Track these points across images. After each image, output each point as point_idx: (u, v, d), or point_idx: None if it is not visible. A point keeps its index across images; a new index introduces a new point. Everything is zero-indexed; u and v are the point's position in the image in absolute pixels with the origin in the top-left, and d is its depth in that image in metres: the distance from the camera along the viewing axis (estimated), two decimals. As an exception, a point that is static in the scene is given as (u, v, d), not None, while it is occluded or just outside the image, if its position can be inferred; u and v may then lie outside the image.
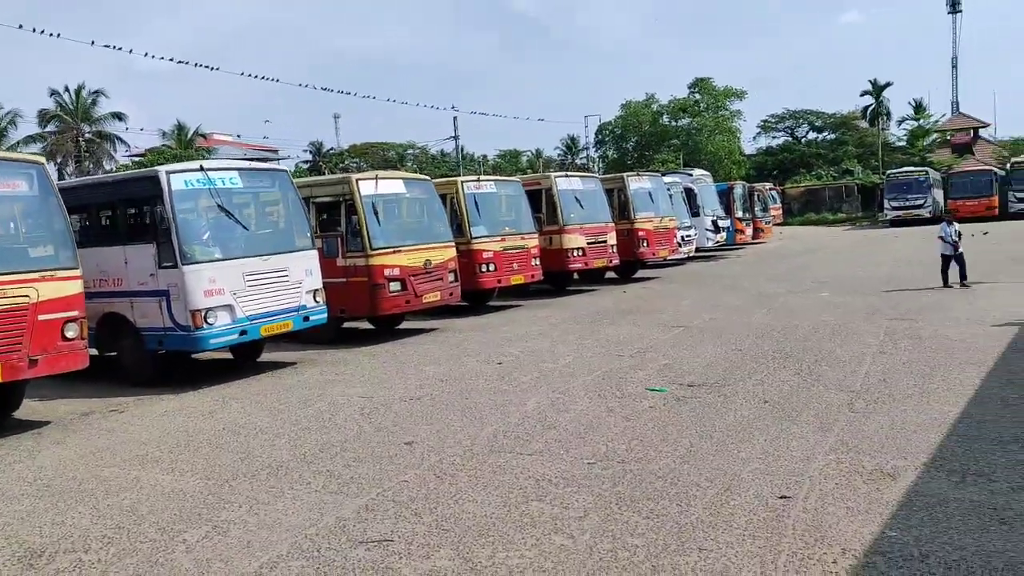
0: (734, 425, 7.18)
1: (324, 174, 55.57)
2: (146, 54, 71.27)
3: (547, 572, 4.48)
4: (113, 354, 11.24)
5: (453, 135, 50.84)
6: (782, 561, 4.46)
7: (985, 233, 28.35)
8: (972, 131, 64.62)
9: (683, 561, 4.52)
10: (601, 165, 65.77)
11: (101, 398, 10.09)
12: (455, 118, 48.06)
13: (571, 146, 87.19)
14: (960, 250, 15.94)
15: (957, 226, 16.42)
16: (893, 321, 12.29)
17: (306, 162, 78.31)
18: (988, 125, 67.11)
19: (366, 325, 15.17)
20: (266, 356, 12.31)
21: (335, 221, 13.52)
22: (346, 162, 77.29)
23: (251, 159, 36.57)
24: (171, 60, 40.43)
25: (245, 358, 12.07)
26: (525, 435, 7.24)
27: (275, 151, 68.28)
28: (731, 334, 12.00)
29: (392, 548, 4.90)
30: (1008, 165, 43.16)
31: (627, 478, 5.93)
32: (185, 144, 51.63)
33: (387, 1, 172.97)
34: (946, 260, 16.02)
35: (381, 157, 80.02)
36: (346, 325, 14.25)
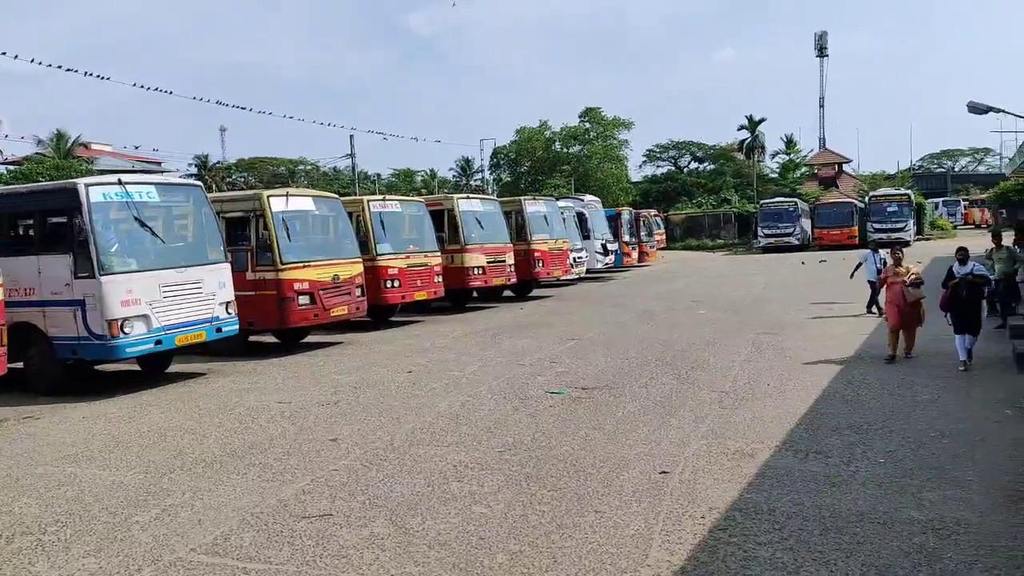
0: (623, 419, 8.24)
1: (212, 189, 54.36)
2: (16, 56, 67.38)
3: (470, 533, 5.31)
4: (19, 364, 11.25)
5: (348, 153, 50.74)
6: (662, 518, 5.48)
7: (822, 261, 31.40)
8: (837, 166, 70.03)
9: (582, 520, 5.47)
10: (496, 187, 67.24)
11: (11, 407, 10.17)
12: (351, 136, 48.07)
13: (465, 168, 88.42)
14: None
15: (883, 253, 15.95)
16: (760, 335, 13.81)
17: (190, 175, 76.05)
18: (851, 160, 73.04)
19: (271, 338, 15.53)
20: (173, 367, 12.56)
21: (244, 236, 13.90)
22: (233, 176, 75.72)
23: (133, 171, 35.65)
24: (40, 64, 38.52)
25: (153, 369, 12.29)
26: (440, 431, 8.05)
27: (158, 163, 66.08)
28: (619, 345, 13.19)
29: (332, 520, 5.62)
30: (867, 198, 47.26)
31: (533, 462, 6.85)
32: (64, 153, 49.47)
33: (273, 14, 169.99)
34: (874, 286, 15.87)
35: (270, 172, 78.75)
36: (251, 339, 14.59)
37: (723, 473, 6.39)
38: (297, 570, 4.84)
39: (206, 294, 11.41)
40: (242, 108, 53.54)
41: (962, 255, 10.92)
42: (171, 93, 49.30)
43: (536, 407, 8.96)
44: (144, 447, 7.86)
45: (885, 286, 11.62)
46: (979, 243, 16.24)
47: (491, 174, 70.76)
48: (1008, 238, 16.60)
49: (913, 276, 11.13)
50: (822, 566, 4.69)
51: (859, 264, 17.11)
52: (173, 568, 4.91)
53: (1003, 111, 24.36)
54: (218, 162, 79.10)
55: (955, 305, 10.48)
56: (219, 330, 11.61)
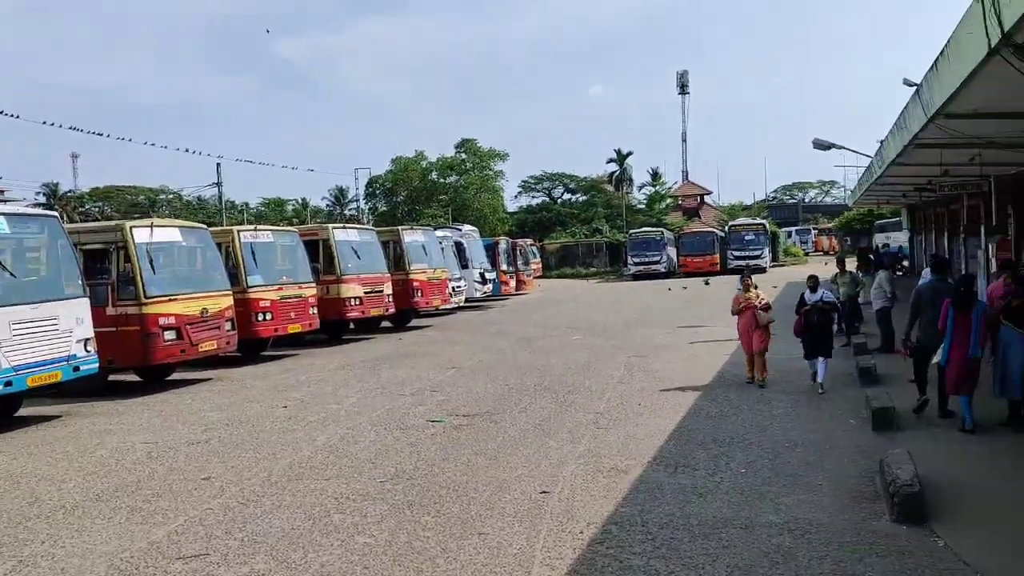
0: (503, 443, 8.41)
1: (64, 220, 51.05)
2: None
3: (354, 563, 5.30)
4: None
5: (216, 182, 49.03)
6: (543, 535, 5.65)
7: (684, 288, 33.14)
8: (699, 197, 74.05)
9: (467, 543, 5.56)
10: (371, 217, 66.72)
11: None
12: (218, 164, 46.52)
13: (339, 197, 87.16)
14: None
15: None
16: (631, 358, 14.39)
17: (39, 204, 71.13)
18: (711, 192, 77.48)
19: (133, 377, 14.75)
20: (24, 411, 11.70)
21: (105, 269, 13.21)
22: (87, 206, 71.56)
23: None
24: None
25: (0, 413, 11.42)
26: (320, 464, 7.94)
27: (0, 192, 61.46)
28: (499, 372, 13.41)
29: (209, 560, 5.45)
30: (727, 227, 50.16)
31: (416, 490, 6.89)
32: None
33: (120, 38, 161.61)
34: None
35: (129, 201, 75.05)
36: (112, 378, 13.81)
37: (599, 490, 6.66)
38: (172, 612, 4.68)
39: (62, 331, 10.78)
40: (99, 134, 50.12)
41: (812, 283, 11.45)
42: (17, 117, 45.93)
43: (418, 436, 8.99)
44: (-5, 496, 7.33)
45: (736, 314, 11.58)
46: (828, 269, 17.56)
47: (367, 204, 70.22)
48: (851, 264, 18.07)
49: (763, 301, 11.53)
50: (691, 570, 4.99)
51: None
52: (34, 620, 4.64)
53: (843, 147, 26.67)
54: (70, 191, 74.63)
55: (807, 331, 10.98)
56: (76, 369, 10.98)
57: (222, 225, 33.69)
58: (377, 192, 66.92)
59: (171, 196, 76.85)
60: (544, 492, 6.65)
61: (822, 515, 5.95)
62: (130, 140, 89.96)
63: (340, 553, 5.47)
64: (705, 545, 5.40)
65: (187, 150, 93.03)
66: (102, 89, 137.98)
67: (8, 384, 9.96)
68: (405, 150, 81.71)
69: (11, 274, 10.46)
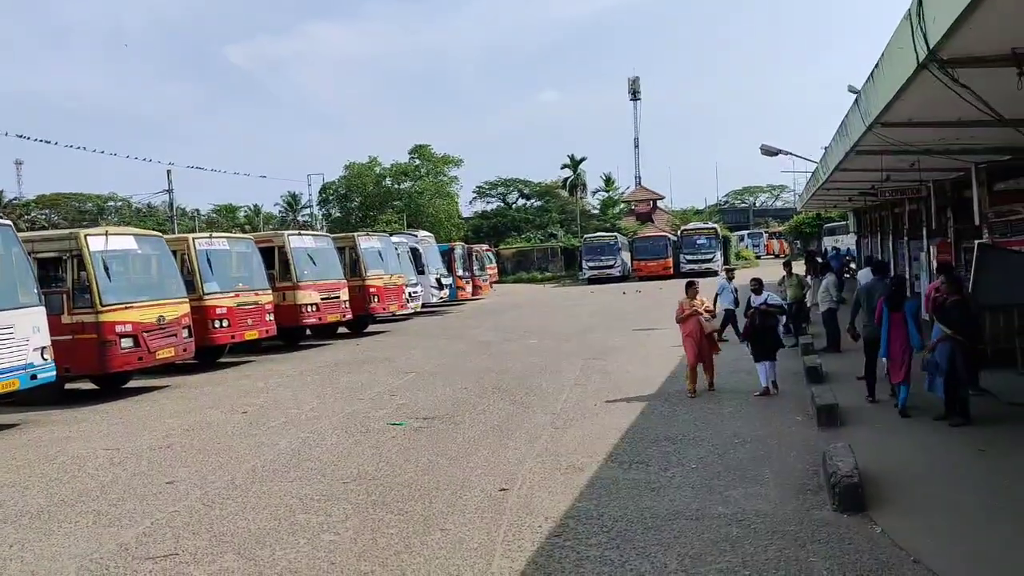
0: (463, 444, 8.63)
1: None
2: None
3: (320, 559, 5.47)
4: None
5: (166, 189, 48.21)
6: (503, 530, 5.89)
7: (638, 291, 33.80)
8: (652, 202, 75.01)
9: (429, 539, 5.78)
10: (325, 223, 66.28)
11: None
12: (169, 171, 45.71)
13: (292, 203, 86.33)
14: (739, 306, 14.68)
15: (735, 283, 16.63)
16: (587, 360, 14.72)
17: (-16, 213, 69.23)
18: (664, 197, 78.51)
19: (89, 385, 14.60)
20: (-22, 420, 11.58)
21: (59, 277, 13.11)
22: (33, 214, 69.84)
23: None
24: None
25: (-47, 423, 11.28)
26: (283, 467, 8.07)
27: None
28: (457, 376, 13.61)
29: (179, 559, 5.58)
30: (679, 232, 51.04)
31: (379, 490, 7.07)
32: None
33: (71, 41, 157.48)
34: (729, 314, 16.09)
35: (76, 209, 73.47)
36: (68, 386, 13.67)
37: (557, 486, 6.92)
38: (145, 610, 4.80)
39: (19, 339, 10.71)
40: (47, 142, 48.48)
41: (756, 286, 11.39)
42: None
43: (379, 439, 9.15)
44: (-45, 504, 7.30)
45: (681, 321, 11.23)
46: (779, 272, 18.06)
47: (320, 210, 69.73)
48: (800, 267, 18.71)
49: (707, 308, 11.51)
50: (644, 559, 5.28)
51: (717, 294, 16.52)
52: (7, 621, 4.72)
53: (790, 153, 27.49)
54: (14, 198, 72.71)
55: (752, 334, 11.07)
56: (34, 377, 10.91)
57: (174, 232, 33.30)
58: (330, 198, 66.53)
59: (120, 203, 75.44)
60: (503, 489, 6.89)
61: (768, 506, 6.29)
62: (81, 148, 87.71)
63: (307, 551, 5.64)
64: (658, 536, 5.70)
65: (137, 157, 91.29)
66: (45, 95, 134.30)
67: (-37, 393, 9.86)
68: (358, 156, 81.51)
69: (-36, 283, 10.37)
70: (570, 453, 8.04)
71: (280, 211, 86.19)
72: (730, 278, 17.39)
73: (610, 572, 5.09)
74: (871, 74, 8.03)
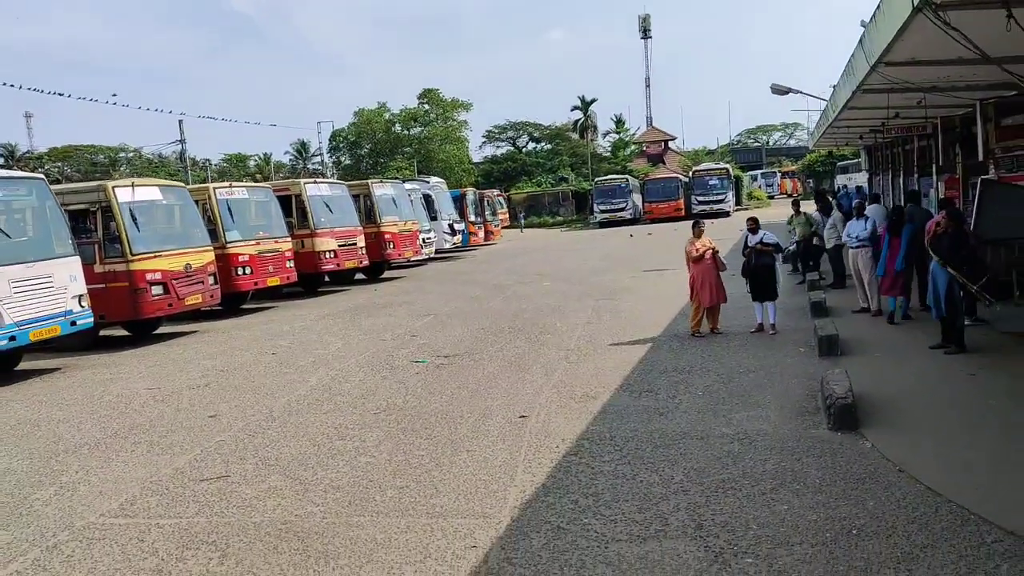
0: (483, 379, 9.17)
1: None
2: None
3: (360, 478, 6.04)
4: None
5: (180, 139, 48.49)
6: (523, 450, 6.44)
7: (649, 234, 34.04)
8: (663, 143, 74.57)
9: (457, 459, 6.33)
10: (336, 171, 66.44)
11: None
12: (180, 122, 45.96)
13: (301, 151, 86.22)
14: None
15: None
16: (599, 301, 15.19)
17: (-1, 166, 69.60)
18: (676, 138, 77.97)
19: (121, 332, 15.23)
20: (23, 365, 12.22)
21: (88, 228, 13.60)
22: (47, 166, 70.28)
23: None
24: None
25: (1, 368, 11.91)
26: (316, 401, 8.64)
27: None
28: (474, 317, 14.13)
29: (230, 480, 6.16)
30: (691, 173, 50.96)
31: (407, 418, 7.63)
32: None
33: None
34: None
35: (89, 161, 73.81)
36: (101, 333, 14.29)
37: (572, 413, 7.45)
38: (208, 521, 5.38)
39: (57, 288, 11.25)
40: (60, 94, 48.32)
41: (752, 225, 11.36)
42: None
43: (403, 375, 9.70)
44: (19, 437, 7.93)
45: (691, 262, 11.09)
46: (789, 211, 18.26)
47: (330, 157, 69.80)
48: (809, 206, 18.96)
49: (715, 248, 11.17)
50: (653, 472, 5.81)
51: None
52: (88, 531, 5.32)
53: (800, 92, 27.39)
54: (28, 152, 73.09)
55: (750, 273, 11.15)
56: (73, 323, 11.48)
57: (187, 183, 33.69)
58: (340, 145, 66.59)
59: (131, 154, 75.64)
60: (523, 416, 7.43)
61: (768, 426, 6.80)
62: (93, 100, 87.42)
63: (347, 471, 6.21)
64: (666, 453, 6.22)
65: (149, 108, 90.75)
66: (45, 44, 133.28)
67: (12, 339, 10.46)
68: (367, 102, 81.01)
69: (6, 235, 10.87)
70: (584, 384, 8.56)
71: (290, 159, 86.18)
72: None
73: (621, 484, 5.62)
74: (873, 15, 8.26)
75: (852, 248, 12.00)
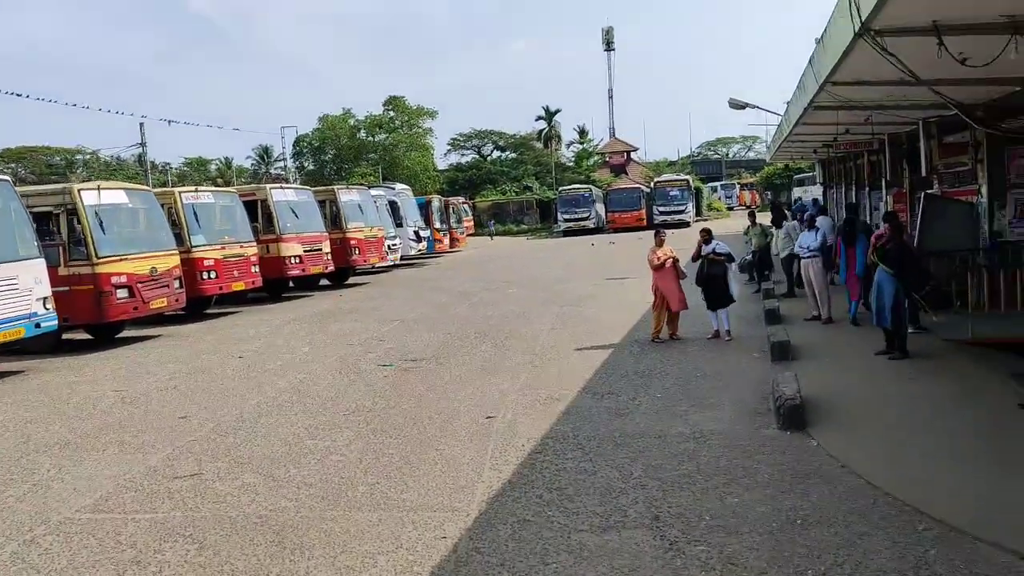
0: (450, 381, 9.43)
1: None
2: None
3: (331, 475, 6.25)
4: None
5: (139, 143, 47.87)
6: (490, 449, 6.71)
7: (611, 243, 34.65)
8: (626, 154, 75.49)
9: (426, 457, 6.58)
10: (299, 176, 66.09)
11: None
12: (141, 124, 45.40)
13: (264, 156, 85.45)
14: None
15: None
16: (563, 308, 15.53)
17: (-51, 168, 67.91)
18: (638, 149, 79.02)
19: (83, 336, 15.14)
20: (-17, 368, 12.15)
21: (52, 231, 13.54)
22: (0, 168, 68.83)
23: None
24: None
25: (-40, 371, 11.85)
26: (286, 403, 8.81)
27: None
28: (440, 323, 14.37)
29: (203, 478, 6.32)
30: (652, 184, 51.76)
31: (376, 419, 7.85)
32: None
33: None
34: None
35: (44, 163, 72.39)
36: (63, 336, 14.21)
37: (537, 414, 7.74)
38: (183, 515, 5.55)
39: (22, 290, 11.25)
40: (18, 95, 47.48)
41: (705, 236, 11.69)
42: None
43: (371, 379, 9.91)
44: (-14, 438, 7.97)
45: (656, 268, 11.41)
46: (746, 222, 18.88)
47: (294, 163, 69.39)
48: (765, 217, 19.54)
49: (675, 257, 11.50)
50: (614, 469, 6.12)
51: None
52: (64, 526, 5.45)
53: (757, 107, 28.15)
54: (-20, 152, 71.43)
55: (703, 282, 11.47)
56: (38, 326, 11.48)
57: (144, 185, 33.34)
58: (304, 151, 66.21)
59: (88, 156, 74.34)
60: (489, 417, 7.70)
61: (722, 426, 7.15)
62: (52, 101, 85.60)
63: (318, 469, 6.42)
64: (625, 451, 6.54)
65: (109, 110, 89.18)
66: (3, 46, 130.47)
67: (-25, 341, 10.43)
68: (330, 108, 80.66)
69: (-30, 236, 10.85)
70: (548, 387, 8.86)
71: (252, 164, 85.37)
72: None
73: (584, 479, 5.92)
74: (821, 37, 8.73)
75: (803, 258, 12.53)
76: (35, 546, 5.17)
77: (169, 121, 68.90)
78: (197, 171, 78.62)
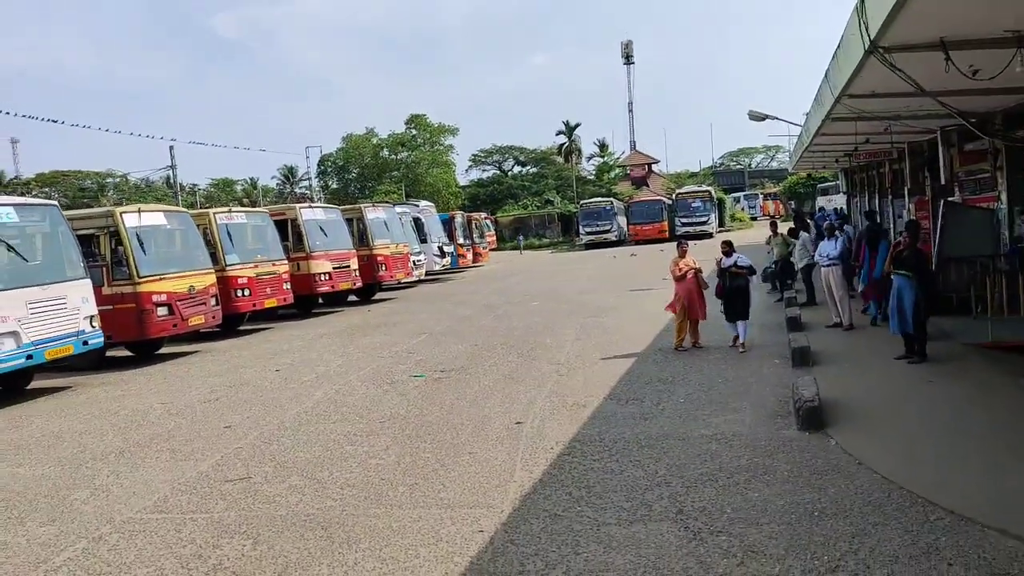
0: (480, 390, 9.79)
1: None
2: None
3: (372, 477, 6.63)
4: None
5: (169, 165, 48.90)
6: (521, 451, 7.05)
7: (632, 255, 34.74)
8: (646, 166, 75.78)
9: (460, 460, 6.94)
10: (324, 195, 67.09)
11: None
12: (171, 148, 46.42)
13: (289, 176, 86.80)
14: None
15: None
16: (586, 319, 15.85)
17: (-16, 193, 69.70)
18: (659, 161, 79.31)
19: (124, 352, 15.71)
20: (33, 384, 12.67)
21: (96, 252, 14.14)
22: (34, 192, 70.51)
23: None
24: None
25: (12, 386, 12.37)
26: (323, 412, 9.21)
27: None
28: (466, 335, 14.75)
29: (252, 481, 6.73)
30: (674, 195, 51.94)
31: (411, 426, 8.22)
32: None
33: (59, 16, 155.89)
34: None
35: (76, 187, 74.13)
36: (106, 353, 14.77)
37: (564, 419, 8.08)
38: (238, 515, 5.95)
39: (71, 309, 11.78)
40: (53, 121, 48.69)
41: (726, 249, 11.83)
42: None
43: (404, 388, 10.29)
44: (46, 447, 8.45)
45: (679, 279, 11.63)
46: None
47: (318, 182, 70.46)
48: (785, 227, 19.75)
49: (698, 268, 11.74)
50: (639, 468, 6.43)
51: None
52: (128, 525, 5.87)
53: (776, 118, 28.35)
54: (15, 177, 73.37)
55: (724, 295, 11.67)
56: (85, 343, 12.00)
57: (176, 206, 34.17)
58: (328, 170, 67.30)
59: (118, 179, 75.97)
60: (519, 423, 8.04)
61: (744, 428, 7.44)
62: (86, 127, 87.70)
63: (359, 472, 6.80)
64: (650, 452, 6.85)
65: (140, 134, 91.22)
66: (29, 69, 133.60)
67: (29, 357, 10.98)
68: (353, 126, 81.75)
69: (23, 258, 11.44)
70: (574, 394, 9.20)
71: (277, 184, 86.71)
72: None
73: (610, 478, 6.25)
74: (835, 52, 9.03)
75: (824, 267, 12.76)
76: (103, 543, 5.59)
77: (197, 143, 70.00)
78: (224, 191, 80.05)
